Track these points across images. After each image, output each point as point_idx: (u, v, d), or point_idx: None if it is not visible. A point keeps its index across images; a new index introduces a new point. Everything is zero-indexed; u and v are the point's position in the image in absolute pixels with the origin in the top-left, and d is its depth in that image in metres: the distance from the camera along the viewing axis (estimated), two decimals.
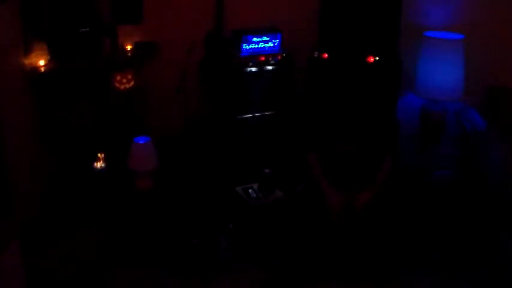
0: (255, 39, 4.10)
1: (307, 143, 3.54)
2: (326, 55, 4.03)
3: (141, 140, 3.75)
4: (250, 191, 3.84)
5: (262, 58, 4.14)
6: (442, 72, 3.88)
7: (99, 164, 3.88)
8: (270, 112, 4.29)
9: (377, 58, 3.94)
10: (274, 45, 4.19)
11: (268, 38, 4.16)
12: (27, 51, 3.52)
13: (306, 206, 3.41)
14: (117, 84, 3.92)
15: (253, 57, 4.11)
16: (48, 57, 3.60)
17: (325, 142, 3.43)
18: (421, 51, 3.99)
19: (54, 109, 3.69)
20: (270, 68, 4.19)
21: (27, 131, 3.63)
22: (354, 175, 3.37)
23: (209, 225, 3.60)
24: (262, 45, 4.15)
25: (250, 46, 4.10)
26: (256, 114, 4.25)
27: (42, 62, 3.54)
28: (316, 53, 4.07)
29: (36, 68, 3.52)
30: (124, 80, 3.93)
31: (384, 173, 3.39)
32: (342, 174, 3.38)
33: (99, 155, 3.88)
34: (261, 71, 4.16)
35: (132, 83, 3.96)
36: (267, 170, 3.85)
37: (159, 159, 3.80)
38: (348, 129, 3.39)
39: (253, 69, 4.13)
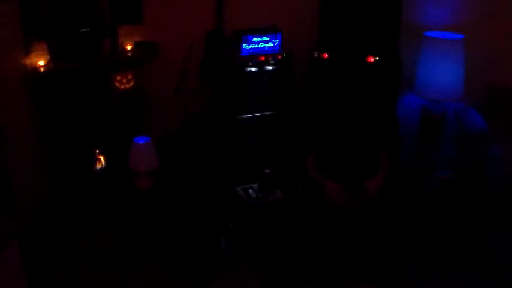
0: (255, 39, 4.11)
1: (306, 143, 3.54)
2: (326, 55, 4.03)
3: (141, 140, 3.75)
4: (250, 191, 3.84)
5: (262, 58, 4.14)
6: (442, 72, 3.88)
7: (99, 164, 3.88)
8: (270, 112, 4.29)
9: (377, 58, 3.94)
10: (274, 45, 4.19)
11: (268, 38, 4.16)
12: (27, 51, 3.51)
13: (306, 206, 3.41)
14: (117, 84, 3.92)
15: (253, 57, 4.12)
16: (48, 57, 3.59)
17: (324, 142, 3.43)
18: (421, 51, 3.99)
19: (54, 109, 3.69)
20: (270, 68, 4.19)
21: (27, 131, 3.62)
22: (353, 175, 3.37)
23: (210, 225, 3.60)
24: (262, 45, 4.15)
25: (250, 46, 4.10)
26: (256, 114, 4.25)
27: (42, 62, 3.54)
28: (316, 53, 4.07)
29: (36, 68, 3.52)
30: (124, 80, 3.93)
31: (384, 166, 3.38)
32: (341, 174, 3.38)
33: (99, 155, 3.88)
34: (261, 71, 4.17)
35: (132, 83, 3.96)
36: (267, 170, 3.85)
37: (159, 159, 3.80)
38: (347, 128, 3.39)
39: (253, 69, 4.13)
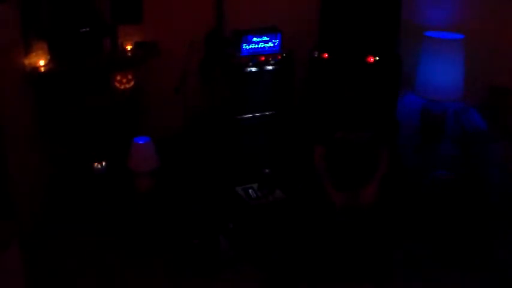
0: (255, 39, 4.11)
1: (312, 137, 3.53)
2: (326, 55, 4.04)
3: (141, 140, 3.75)
4: (250, 191, 3.84)
5: (262, 58, 4.14)
6: (442, 72, 3.89)
7: (99, 165, 3.88)
8: (270, 112, 4.29)
9: (377, 58, 3.94)
10: (274, 45, 4.19)
11: (268, 38, 4.16)
12: (27, 51, 3.52)
13: (306, 205, 3.41)
14: (117, 84, 3.92)
15: (253, 57, 4.12)
16: (48, 57, 3.60)
17: (327, 138, 3.43)
18: (421, 51, 3.99)
19: (54, 109, 3.69)
20: (270, 68, 4.19)
21: (27, 131, 3.63)
22: (356, 169, 3.37)
23: (209, 225, 3.60)
24: (262, 45, 4.15)
25: (250, 46, 4.10)
26: (256, 114, 4.25)
27: (42, 62, 3.54)
28: (316, 53, 4.08)
29: (36, 68, 3.52)
30: (124, 80, 3.92)
31: (383, 164, 3.39)
32: (344, 168, 3.38)
33: (99, 155, 3.88)
34: (261, 71, 4.17)
35: (132, 83, 3.96)
36: (267, 170, 3.85)
37: (159, 159, 3.80)
38: (348, 125, 3.40)
39: (253, 69, 4.14)
